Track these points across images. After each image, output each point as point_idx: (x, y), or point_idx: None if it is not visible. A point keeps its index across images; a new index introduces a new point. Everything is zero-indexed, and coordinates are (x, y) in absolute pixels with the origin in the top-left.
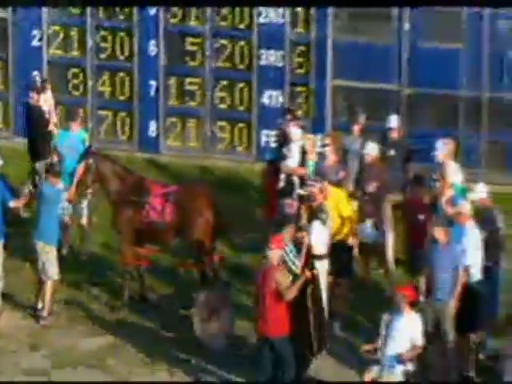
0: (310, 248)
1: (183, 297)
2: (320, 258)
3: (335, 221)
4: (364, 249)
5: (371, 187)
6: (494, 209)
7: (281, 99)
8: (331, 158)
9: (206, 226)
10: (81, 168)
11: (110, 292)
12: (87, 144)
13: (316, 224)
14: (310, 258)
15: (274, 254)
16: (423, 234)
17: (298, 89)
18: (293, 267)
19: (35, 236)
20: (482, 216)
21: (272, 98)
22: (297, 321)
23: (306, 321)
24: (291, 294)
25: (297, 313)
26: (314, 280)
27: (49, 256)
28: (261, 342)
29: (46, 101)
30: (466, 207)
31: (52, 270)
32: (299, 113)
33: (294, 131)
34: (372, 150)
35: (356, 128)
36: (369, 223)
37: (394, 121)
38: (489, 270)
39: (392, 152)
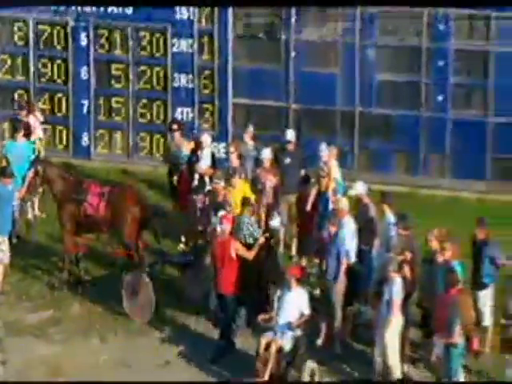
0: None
1: (114, 277)
2: None
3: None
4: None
5: (268, 185)
6: (368, 202)
7: (191, 115)
8: (235, 161)
9: (132, 219)
10: (31, 172)
11: (52, 274)
12: (36, 153)
13: (222, 213)
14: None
15: (226, 229)
16: (311, 223)
17: (205, 106)
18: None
19: None
20: (359, 208)
21: (183, 113)
22: (244, 282)
23: (253, 282)
24: (251, 256)
25: (245, 275)
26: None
27: (1, 245)
28: (218, 297)
29: (34, 118)
30: (344, 203)
31: (3, 256)
32: (206, 126)
33: (206, 139)
34: (267, 154)
35: (246, 136)
36: (277, 217)
37: (290, 134)
38: (364, 253)
39: (288, 161)
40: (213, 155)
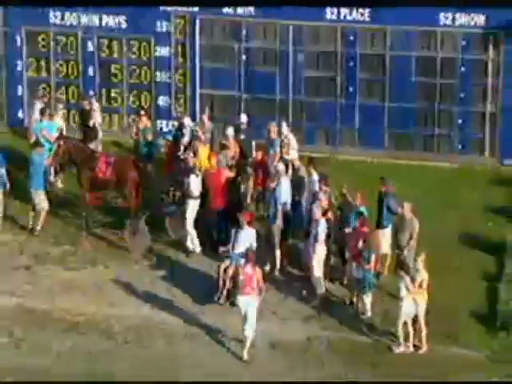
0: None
1: (116, 222)
2: (194, 198)
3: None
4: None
5: (230, 156)
6: (299, 165)
7: (169, 101)
8: (202, 137)
9: (132, 181)
10: (56, 145)
11: (73, 219)
12: (59, 131)
13: (193, 177)
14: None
15: (221, 160)
16: (265, 181)
17: (179, 95)
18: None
19: (30, 185)
20: (294, 170)
21: (164, 100)
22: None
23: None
24: (232, 174)
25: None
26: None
27: (41, 196)
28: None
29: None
30: (281, 166)
31: (44, 205)
32: (181, 109)
33: (187, 121)
34: (230, 131)
35: (204, 117)
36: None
37: (243, 117)
38: (297, 203)
39: (243, 136)
40: (192, 132)
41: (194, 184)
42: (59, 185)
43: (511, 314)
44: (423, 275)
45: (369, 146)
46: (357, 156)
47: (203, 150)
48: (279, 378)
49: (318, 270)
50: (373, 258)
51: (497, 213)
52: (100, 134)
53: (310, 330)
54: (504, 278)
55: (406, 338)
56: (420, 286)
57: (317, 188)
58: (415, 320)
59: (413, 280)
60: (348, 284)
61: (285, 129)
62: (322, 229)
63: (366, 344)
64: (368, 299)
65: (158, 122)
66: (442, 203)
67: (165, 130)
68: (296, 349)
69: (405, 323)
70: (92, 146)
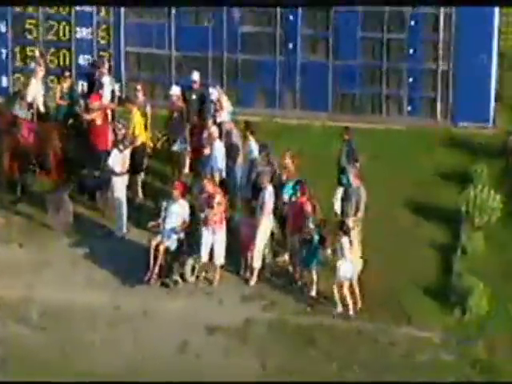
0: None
1: (33, 197)
2: (117, 175)
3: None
4: (173, 156)
5: (176, 114)
6: (232, 129)
7: (91, 60)
8: (140, 97)
9: (54, 150)
10: None
11: None
12: None
13: (115, 151)
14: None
15: None
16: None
17: (103, 53)
18: None
19: None
20: (223, 133)
21: (85, 59)
22: None
23: None
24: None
25: None
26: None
27: None
28: None
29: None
30: (214, 129)
31: None
32: (104, 71)
33: (106, 80)
34: (175, 91)
35: (139, 87)
36: (179, 139)
37: (195, 75)
38: (230, 169)
39: (194, 96)
40: (112, 92)
41: (115, 159)
42: None
43: (466, 288)
44: (357, 236)
45: (312, 109)
46: (299, 119)
47: (137, 118)
48: (215, 367)
49: (260, 242)
50: (314, 227)
51: (450, 179)
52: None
53: (250, 311)
54: (458, 249)
55: (344, 301)
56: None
57: (255, 154)
58: (351, 283)
59: (351, 243)
60: (291, 259)
61: (216, 92)
62: (269, 195)
63: (311, 325)
64: (313, 276)
65: (80, 83)
66: (391, 169)
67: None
68: (234, 333)
69: (341, 286)
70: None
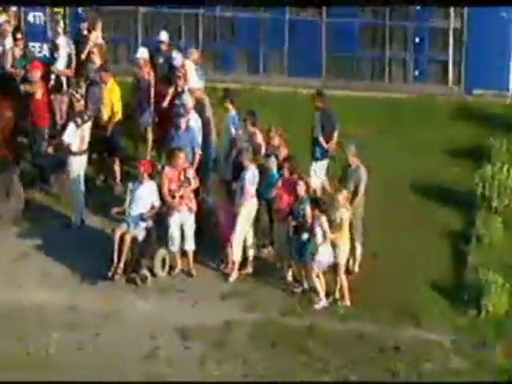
0: None
1: None
2: (74, 154)
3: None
4: (138, 130)
5: (143, 79)
6: (203, 100)
7: (43, 18)
8: (98, 62)
9: (7, 123)
10: None
11: None
12: None
13: (72, 125)
14: None
15: None
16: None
17: (56, 10)
18: None
19: None
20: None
21: (36, 17)
22: None
23: None
24: None
25: None
26: None
27: None
28: None
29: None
30: (188, 99)
31: None
32: (59, 30)
33: (62, 42)
34: (142, 53)
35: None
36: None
37: (163, 35)
38: (204, 144)
39: (161, 60)
40: (69, 56)
41: (71, 135)
42: None
43: (482, 284)
44: (344, 214)
45: (302, 74)
46: (287, 87)
47: (115, 91)
48: (189, 377)
49: (241, 231)
50: (308, 213)
51: (463, 156)
52: None
53: (229, 312)
54: (473, 238)
55: (328, 293)
56: (340, 227)
57: (235, 127)
58: (335, 269)
59: (331, 222)
60: (277, 250)
61: (180, 57)
62: (250, 176)
63: (300, 328)
64: (306, 270)
65: (31, 44)
66: (395, 144)
67: (38, 55)
68: (211, 337)
69: (322, 273)
70: None
